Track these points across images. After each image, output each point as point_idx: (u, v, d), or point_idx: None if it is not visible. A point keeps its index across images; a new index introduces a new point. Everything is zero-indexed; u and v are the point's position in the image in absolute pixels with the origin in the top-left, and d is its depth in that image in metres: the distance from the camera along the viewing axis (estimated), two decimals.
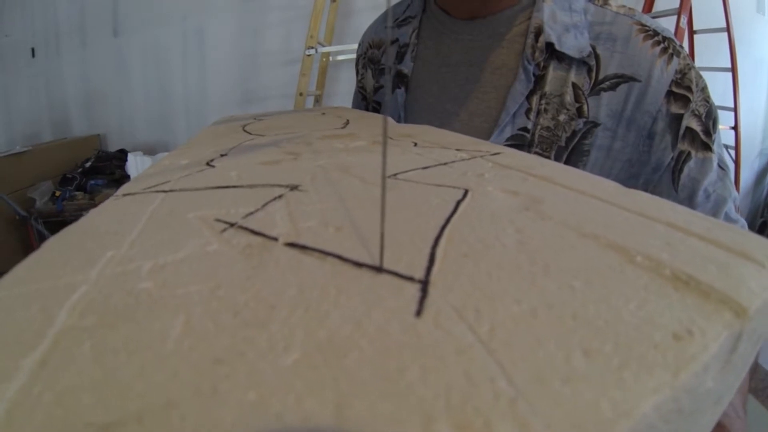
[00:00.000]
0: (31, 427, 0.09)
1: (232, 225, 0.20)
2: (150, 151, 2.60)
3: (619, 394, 0.10)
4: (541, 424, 0.09)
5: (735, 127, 2.33)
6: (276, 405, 0.10)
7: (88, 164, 2.42)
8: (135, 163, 2.40)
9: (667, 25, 2.01)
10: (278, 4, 2.46)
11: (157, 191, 0.28)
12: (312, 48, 2.04)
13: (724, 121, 2.31)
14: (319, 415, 0.09)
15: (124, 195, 0.28)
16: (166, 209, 0.24)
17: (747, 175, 2.73)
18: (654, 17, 2.14)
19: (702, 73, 0.51)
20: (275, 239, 0.18)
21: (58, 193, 2.25)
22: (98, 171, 2.41)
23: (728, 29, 2.20)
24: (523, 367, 0.11)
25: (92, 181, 2.31)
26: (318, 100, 2.38)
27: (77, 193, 2.28)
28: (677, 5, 1.95)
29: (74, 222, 0.24)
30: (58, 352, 0.12)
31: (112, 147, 2.78)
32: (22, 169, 2.23)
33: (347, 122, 0.53)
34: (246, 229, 0.20)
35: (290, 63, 2.46)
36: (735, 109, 2.30)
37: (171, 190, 0.28)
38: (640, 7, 2.26)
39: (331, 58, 2.40)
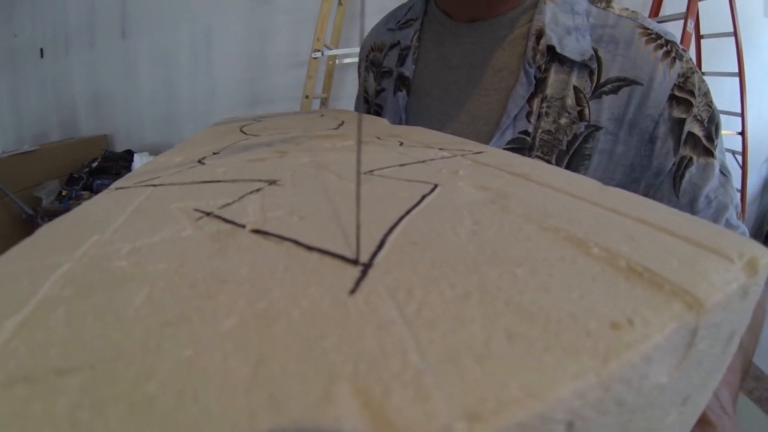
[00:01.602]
0: (4, 373, 0.11)
1: (208, 214, 0.22)
2: (156, 152, 2.62)
3: (533, 377, 0.10)
4: (441, 396, 0.10)
5: (742, 133, 2.31)
6: (204, 360, 0.11)
7: (94, 164, 2.45)
8: (141, 164, 2.41)
9: (674, 29, 2.01)
10: (285, 6, 2.48)
11: (147, 185, 0.29)
12: (318, 51, 2.06)
13: (732, 126, 2.28)
14: (237, 370, 0.11)
15: (117, 189, 0.30)
16: (152, 201, 0.26)
17: (754, 180, 2.70)
18: (661, 22, 2.14)
19: (709, 77, 0.50)
20: (243, 226, 0.20)
21: (64, 193, 2.28)
22: (105, 171, 2.44)
23: (735, 34, 2.19)
24: (439, 345, 0.11)
25: (98, 181, 2.34)
26: (324, 102, 2.40)
27: (84, 192, 2.31)
28: (684, 10, 1.95)
29: (64, 214, 0.25)
30: (36, 315, 0.14)
31: (119, 147, 2.81)
32: (29, 168, 2.26)
33: (342, 123, 0.54)
34: (219, 217, 0.21)
35: (297, 66, 2.48)
36: (742, 114, 2.27)
37: (160, 185, 0.29)
38: (647, 12, 2.26)
39: (337, 61, 2.41)
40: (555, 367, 0.11)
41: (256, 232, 0.19)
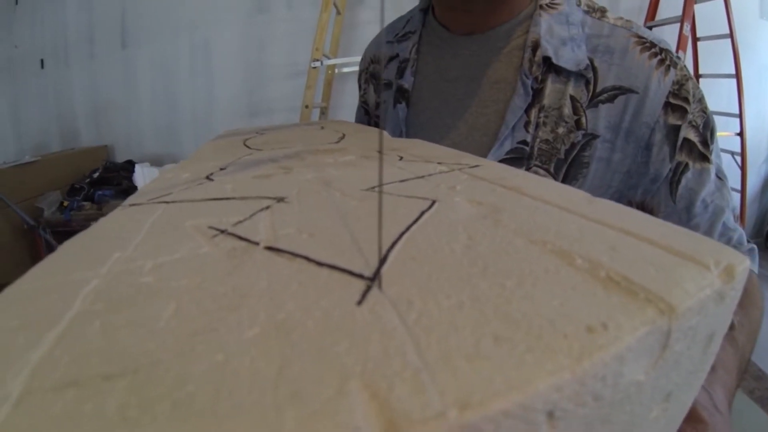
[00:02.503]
0: (52, 379, 0.13)
1: (222, 232, 0.23)
2: (157, 162, 2.64)
3: (515, 373, 0.12)
4: (435, 390, 0.11)
5: (740, 134, 2.32)
6: (235, 364, 0.13)
7: (95, 175, 2.46)
8: (142, 174, 2.44)
9: (670, 33, 2.03)
10: (284, 16, 2.50)
11: (159, 202, 0.31)
12: (317, 60, 2.07)
13: (730, 127, 2.29)
14: (264, 371, 0.12)
15: (131, 205, 0.31)
16: (167, 218, 0.27)
17: (753, 181, 2.71)
18: (657, 25, 2.17)
19: (706, 80, 0.52)
20: (257, 243, 0.21)
21: (65, 203, 2.29)
22: (106, 181, 2.45)
23: (731, 35, 2.21)
24: (435, 348, 0.13)
25: (100, 192, 2.35)
26: (324, 112, 2.41)
27: (85, 203, 2.32)
28: (680, 13, 1.97)
29: (84, 230, 0.27)
30: (74, 328, 0.15)
31: (120, 158, 2.82)
32: (30, 179, 2.28)
33: (343, 136, 0.55)
34: (234, 235, 0.23)
35: (296, 75, 2.50)
36: (740, 116, 2.29)
37: (172, 201, 0.31)
38: (643, 15, 2.29)
39: (336, 71, 2.43)
40: (534, 365, 0.12)
41: (270, 249, 0.21)
